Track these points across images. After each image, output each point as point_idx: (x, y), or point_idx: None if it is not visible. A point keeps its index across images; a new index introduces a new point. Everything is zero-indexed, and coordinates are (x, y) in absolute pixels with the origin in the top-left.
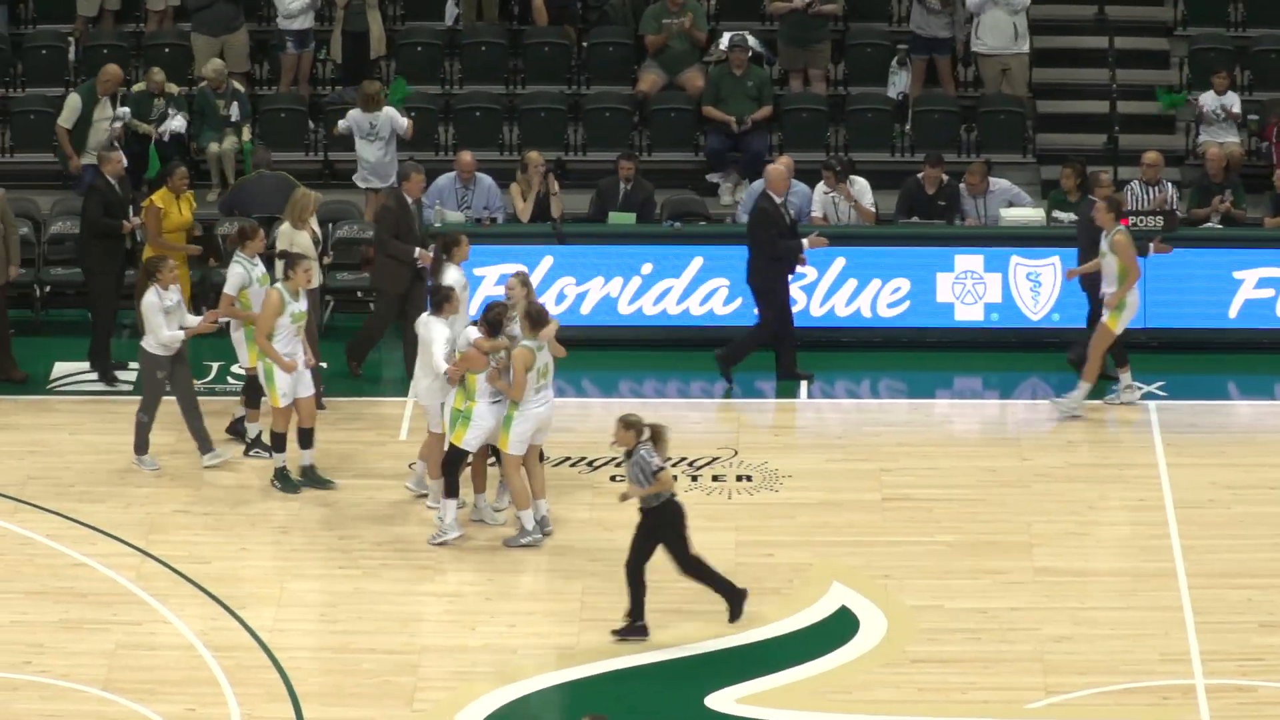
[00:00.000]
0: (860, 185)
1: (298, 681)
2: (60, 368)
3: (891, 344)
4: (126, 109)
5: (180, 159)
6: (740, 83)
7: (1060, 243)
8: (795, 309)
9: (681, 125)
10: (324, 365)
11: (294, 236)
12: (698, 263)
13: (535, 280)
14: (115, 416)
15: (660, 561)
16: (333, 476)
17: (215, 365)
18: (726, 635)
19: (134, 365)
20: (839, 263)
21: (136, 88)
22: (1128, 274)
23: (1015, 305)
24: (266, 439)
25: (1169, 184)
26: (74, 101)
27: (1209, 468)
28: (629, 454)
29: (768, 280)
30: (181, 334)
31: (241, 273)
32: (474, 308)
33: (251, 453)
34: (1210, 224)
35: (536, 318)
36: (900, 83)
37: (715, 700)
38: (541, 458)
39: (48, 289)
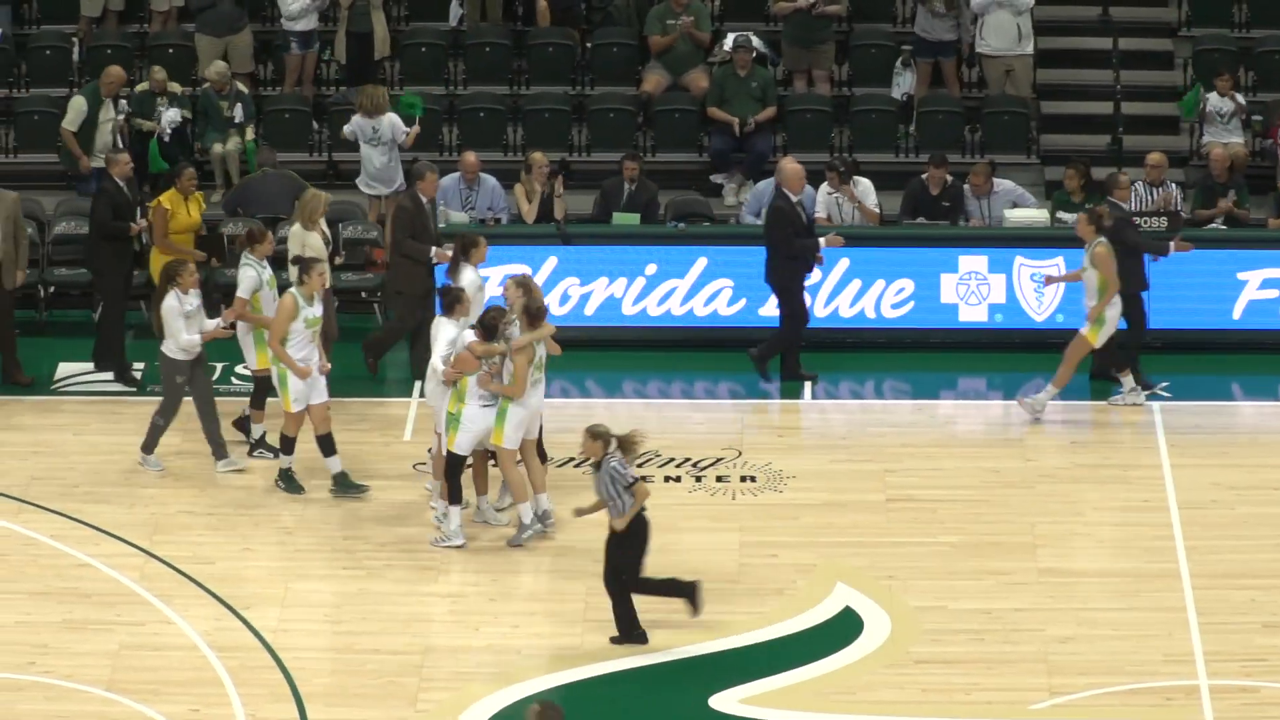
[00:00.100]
0: (864, 186)
1: (302, 682)
2: (64, 368)
3: (895, 345)
4: (124, 102)
5: (186, 159)
6: (744, 83)
7: (1064, 243)
8: None
9: (685, 126)
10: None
11: (305, 238)
12: (702, 263)
13: (540, 280)
14: (119, 417)
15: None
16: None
17: (220, 365)
18: (730, 636)
19: (138, 365)
20: (843, 263)
21: (140, 88)
22: (1107, 287)
23: (1019, 306)
24: (273, 440)
25: (1173, 185)
26: (79, 104)
27: (1212, 468)
28: (597, 466)
29: (785, 279)
30: (199, 338)
31: (253, 275)
32: None
33: (255, 453)
34: (1214, 225)
35: (535, 314)
36: (904, 83)
37: (719, 701)
38: (544, 459)
39: (52, 290)
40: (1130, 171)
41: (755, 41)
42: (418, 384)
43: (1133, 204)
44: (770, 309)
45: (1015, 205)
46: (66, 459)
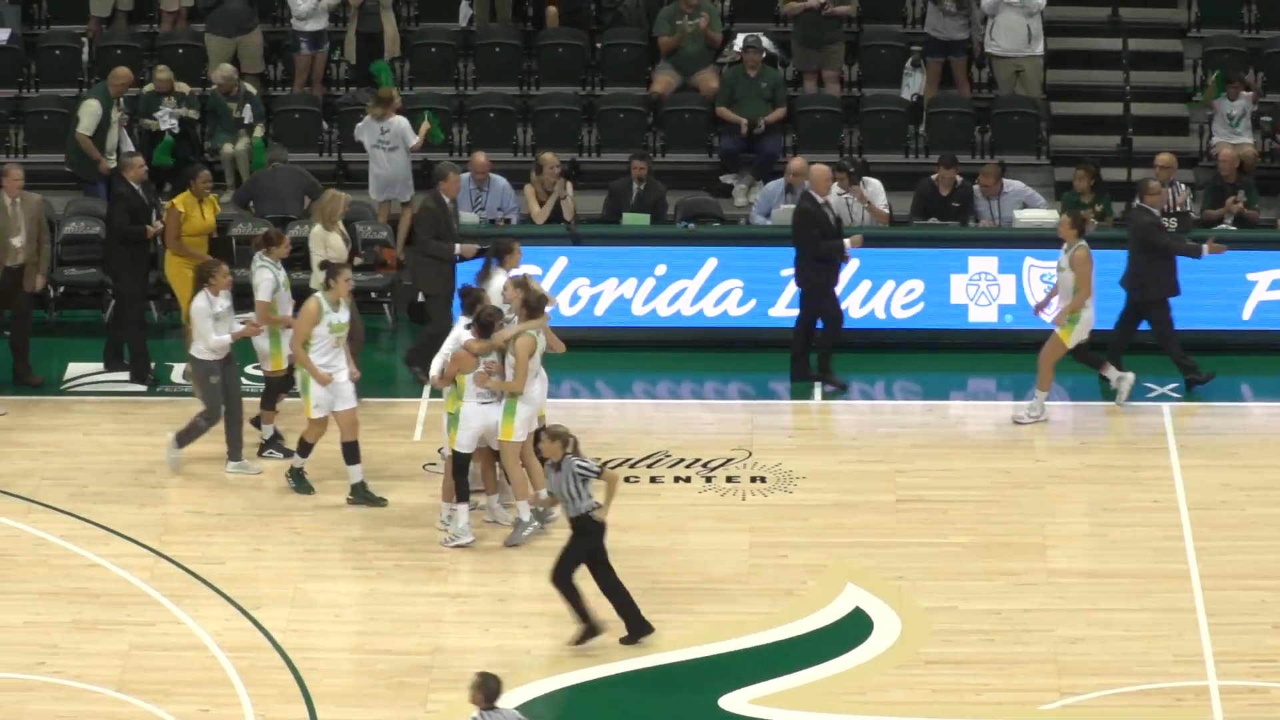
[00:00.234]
0: (874, 186)
1: (312, 683)
2: (74, 368)
3: (905, 345)
4: (120, 101)
5: (195, 159)
6: (754, 84)
7: None
8: None
9: (695, 126)
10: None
11: (327, 239)
12: (711, 264)
13: (550, 281)
14: (129, 417)
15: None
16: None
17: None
18: (740, 637)
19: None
20: (853, 264)
21: (148, 88)
22: (1080, 290)
23: (1029, 307)
24: (290, 443)
25: (1182, 185)
26: (95, 107)
27: (1222, 469)
28: (557, 466)
29: (814, 281)
30: (229, 339)
31: (270, 277)
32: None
33: (265, 453)
34: (1224, 225)
35: (535, 305)
36: (914, 84)
37: (729, 701)
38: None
39: (61, 290)
40: (1140, 172)
41: (765, 42)
42: (426, 385)
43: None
44: (780, 309)
45: (1025, 206)
46: (76, 459)
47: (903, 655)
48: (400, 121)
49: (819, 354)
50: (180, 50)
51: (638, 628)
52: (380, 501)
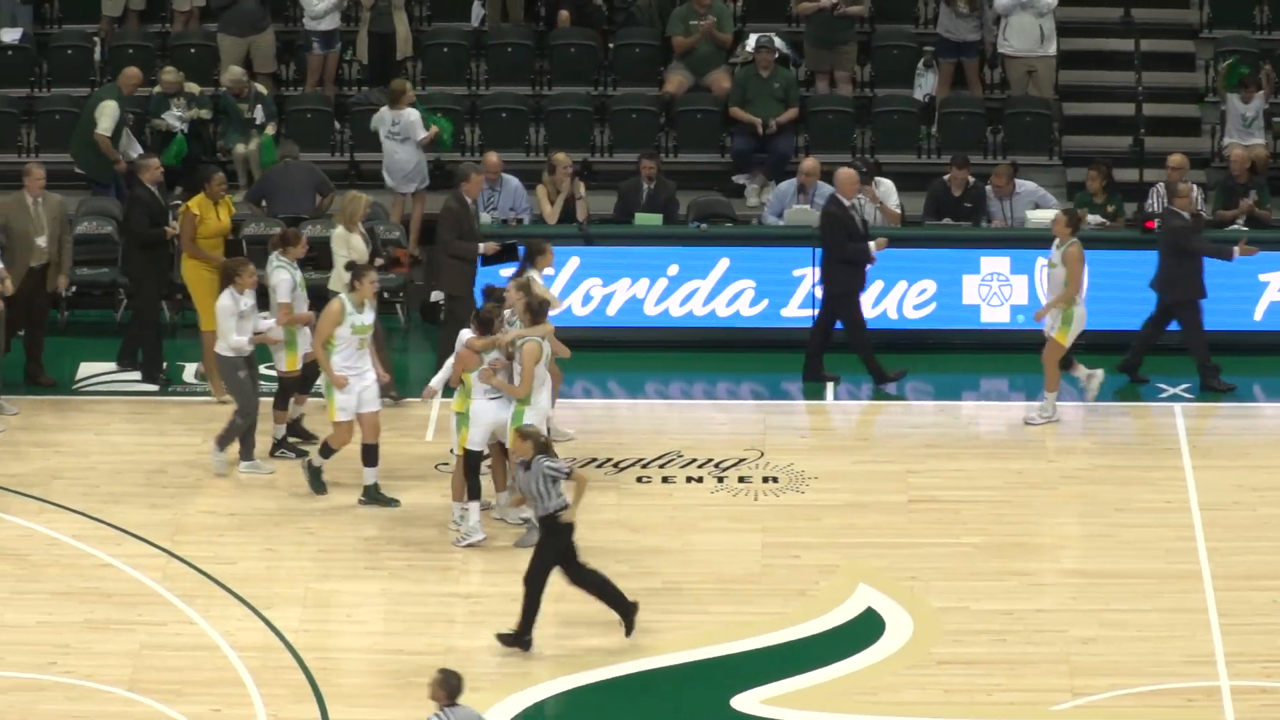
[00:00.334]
0: (886, 187)
1: (323, 682)
2: (86, 368)
3: (918, 346)
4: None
5: (208, 158)
6: (766, 84)
7: (1086, 244)
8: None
9: (708, 126)
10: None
11: (349, 240)
12: (724, 264)
13: (562, 281)
14: (141, 417)
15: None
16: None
17: None
18: (752, 637)
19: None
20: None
21: (157, 89)
22: (1070, 285)
23: (1041, 307)
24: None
25: (1194, 186)
26: (114, 108)
27: (1234, 470)
28: (526, 465)
29: (840, 285)
30: (245, 340)
31: (288, 278)
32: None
33: (278, 453)
34: (1236, 226)
35: (538, 310)
36: (926, 84)
37: (740, 701)
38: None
39: (73, 289)
40: (1151, 173)
41: (778, 42)
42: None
43: (1155, 205)
44: (792, 309)
45: (1037, 206)
46: (88, 459)
47: (915, 655)
48: (411, 114)
49: (862, 360)
50: (192, 50)
51: (626, 611)
52: (393, 502)
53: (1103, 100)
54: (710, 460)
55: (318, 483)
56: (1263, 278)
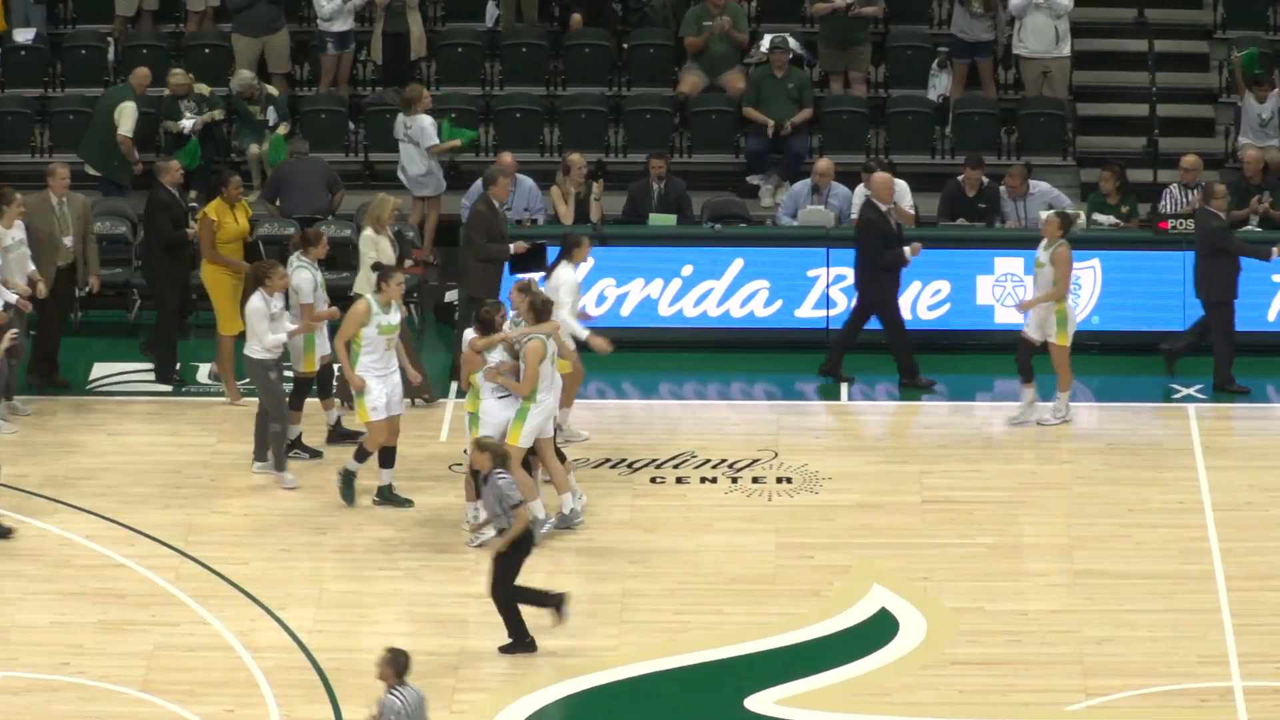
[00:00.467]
0: (900, 188)
1: (337, 683)
2: (99, 368)
3: (932, 346)
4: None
5: (221, 159)
6: (781, 85)
7: (1099, 245)
8: (834, 311)
9: (722, 127)
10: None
11: (377, 242)
12: (738, 264)
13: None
14: (155, 417)
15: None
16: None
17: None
18: (766, 637)
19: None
20: None
21: (166, 92)
22: (1058, 285)
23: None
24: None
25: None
26: (133, 109)
27: (1247, 470)
28: (485, 478)
29: (877, 291)
30: (284, 338)
31: (309, 278)
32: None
33: (292, 454)
34: (1248, 227)
35: (541, 309)
36: (940, 85)
37: (754, 702)
38: (562, 459)
39: (88, 289)
40: (1165, 174)
41: (792, 43)
42: (454, 384)
43: (1169, 206)
44: (806, 310)
45: (1051, 207)
46: (102, 459)
47: (928, 656)
48: (423, 120)
49: (898, 363)
50: (206, 50)
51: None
52: (406, 503)
53: (1117, 101)
54: (724, 461)
55: (349, 491)
56: (1276, 279)
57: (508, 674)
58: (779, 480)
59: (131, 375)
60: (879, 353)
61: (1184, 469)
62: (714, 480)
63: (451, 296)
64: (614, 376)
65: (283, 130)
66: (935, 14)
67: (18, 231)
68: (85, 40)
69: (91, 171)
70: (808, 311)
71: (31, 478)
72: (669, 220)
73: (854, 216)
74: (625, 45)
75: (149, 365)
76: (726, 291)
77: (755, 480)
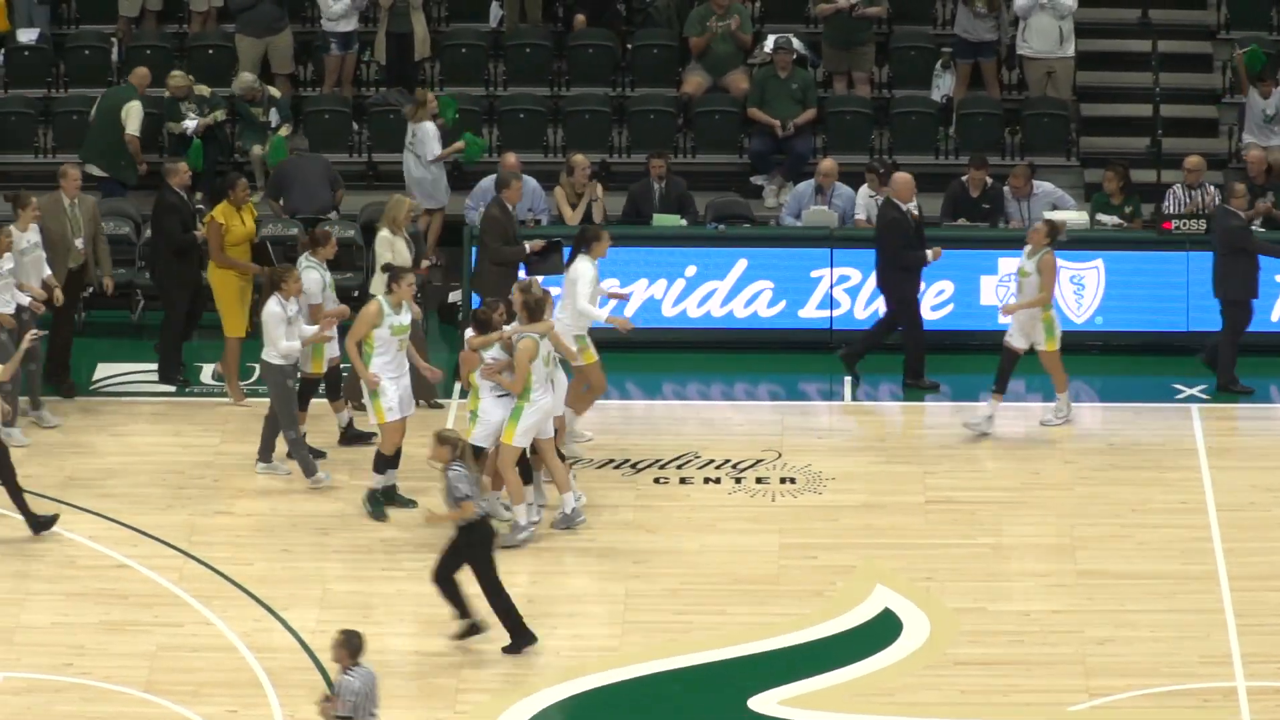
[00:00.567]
0: None
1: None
2: (103, 369)
3: (935, 346)
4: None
5: (224, 160)
6: (784, 85)
7: (1103, 245)
8: (838, 312)
9: (726, 127)
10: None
11: (393, 244)
12: (741, 265)
13: None
14: (158, 418)
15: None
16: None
17: (258, 366)
18: (769, 638)
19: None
20: None
21: (167, 94)
22: (1044, 293)
23: (1059, 308)
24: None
25: (1211, 187)
26: (138, 108)
27: (1250, 471)
28: (442, 470)
29: (899, 291)
30: (299, 345)
31: (317, 278)
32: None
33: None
34: (1253, 227)
35: (534, 308)
36: (944, 85)
37: (758, 702)
38: (562, 459)
39: (91, 290)
40: (1168, 174)
41: (795, 43)
42: (457, 384)
43: (1172, 207)
44: (810, 310)
45: (1055, 207)
46: (105, 460)
47: (931, 656)
48: (426, 128)
49: (907, 361)
50: (210, 51)
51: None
52: (410, 503)
53: (1120, 101)
54: (728, 461)
55: (379, 510)
56: (1279, 279)
57: (510, 674)
58: (782, 480)
59: (135, 376)
60: (883, 353)
61: (1187, 469)
62: (717, 480)
63: (455, 297)
64: (618, 377)
65: (284, 132)
66: (939, 14)
67: (33, 235)
68: (89, 41)
69: (92, 171)
70: (811, 312)
71: (34, 478)
72: (673, 220)
73: (858, 217)
74: (629, 46)
75: (154, 366)
76: (730, 292)
77: (759, 480)
